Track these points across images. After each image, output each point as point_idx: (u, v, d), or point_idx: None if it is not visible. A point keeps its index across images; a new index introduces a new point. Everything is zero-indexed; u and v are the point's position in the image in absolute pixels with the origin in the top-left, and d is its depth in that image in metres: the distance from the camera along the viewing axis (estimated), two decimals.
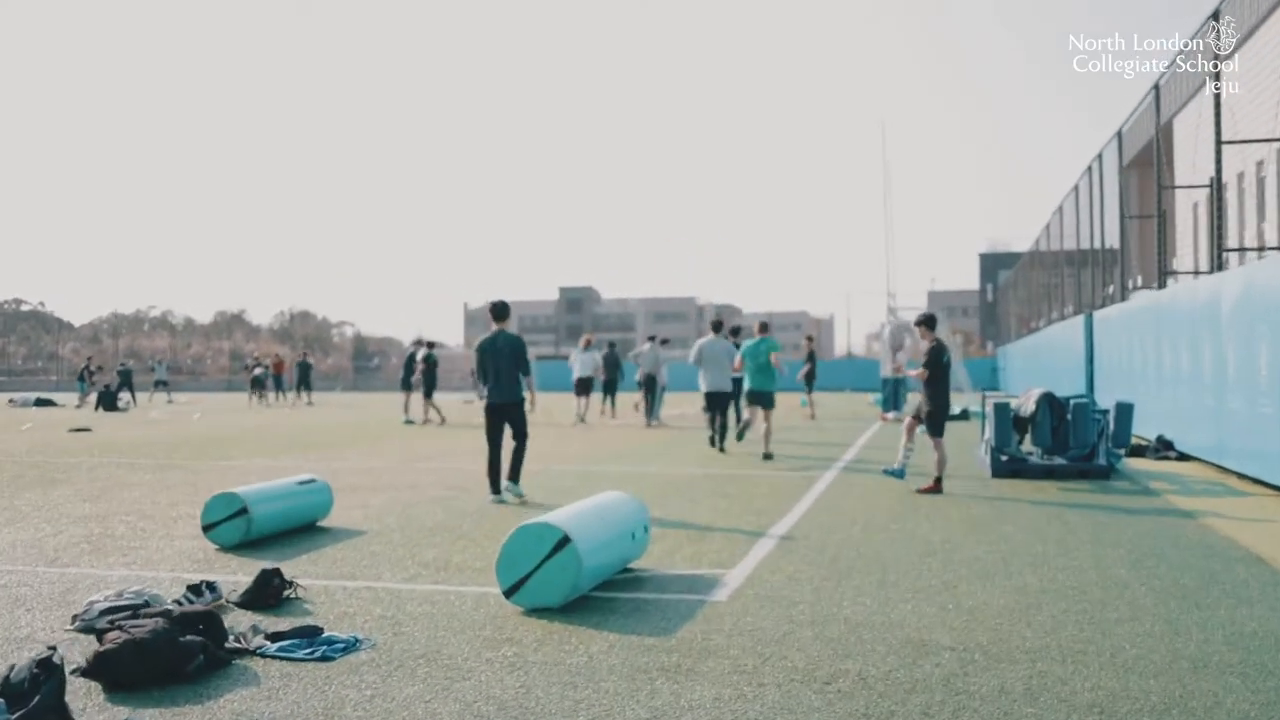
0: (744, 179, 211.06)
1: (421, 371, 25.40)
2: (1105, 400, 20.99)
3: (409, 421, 25.41)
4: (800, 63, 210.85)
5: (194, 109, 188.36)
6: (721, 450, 16.74)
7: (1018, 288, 52.09)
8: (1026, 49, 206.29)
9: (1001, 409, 12.25)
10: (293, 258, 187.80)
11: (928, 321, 11.68)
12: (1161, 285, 17.91)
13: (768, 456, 15.18)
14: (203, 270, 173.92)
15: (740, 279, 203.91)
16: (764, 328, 15.98)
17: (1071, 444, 12.22)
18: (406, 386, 26.39)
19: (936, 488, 11.28)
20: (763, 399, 15.42)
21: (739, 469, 14.19)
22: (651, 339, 25.35)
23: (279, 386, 43.33)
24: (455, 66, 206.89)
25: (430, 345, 25.89)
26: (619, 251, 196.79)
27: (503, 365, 10.82)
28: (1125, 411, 12.03)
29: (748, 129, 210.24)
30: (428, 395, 25.61)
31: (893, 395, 27.99)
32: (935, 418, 11.41)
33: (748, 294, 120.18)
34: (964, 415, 25.30)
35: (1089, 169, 26.61)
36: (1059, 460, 12.59)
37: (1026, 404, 12.34)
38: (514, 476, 11.08)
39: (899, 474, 11.70)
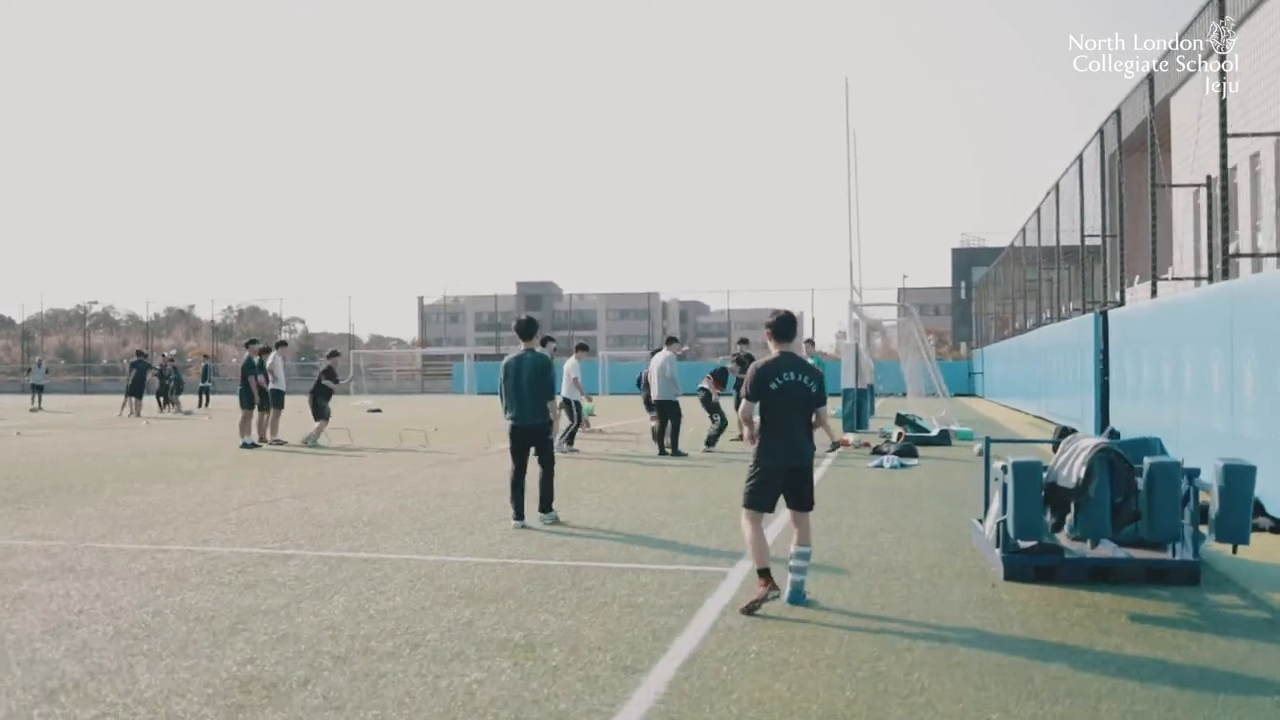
0: (709, 171, 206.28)
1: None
2: (1127, 425, 16.30)
3: (250, 444, 20.33)
4: (765, 52, 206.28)
5: (146, 100, 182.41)
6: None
7: (997, 284, 47.88)
8: (1004, 37, 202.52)
9: (1027, 474, 7.35)
10: (244, 253, 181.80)
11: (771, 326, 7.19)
12: (1225, 273, 13.20)
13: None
14: (154, 265, 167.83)
15: (705, 274, 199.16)
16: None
17: (1147, 529, 7.37)
18: (247, 405, 21.03)
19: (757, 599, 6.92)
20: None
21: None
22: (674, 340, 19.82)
23: (172, 390, 38.00)
24: (411, 60, 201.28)
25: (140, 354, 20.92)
26: (579, 245, 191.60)
27: (526, 386, 10.49)
28: (1240, 480, 6.97)
29: (712, 121, 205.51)
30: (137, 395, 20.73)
31: (855, 410, 23.14)
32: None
33: (713, 291, 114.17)
34: (943, 438, 20.46)
35: (1079, 158, 22.78)
36: (1119, 553, 7.77)
37: (1070, 465, 7.42)
38: (545, 506, 10.63)
39: (798, 603, 6.98)
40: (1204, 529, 7.66)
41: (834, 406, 19.96)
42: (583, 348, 20.90)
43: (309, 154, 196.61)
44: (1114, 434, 17.68)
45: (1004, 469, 7.76)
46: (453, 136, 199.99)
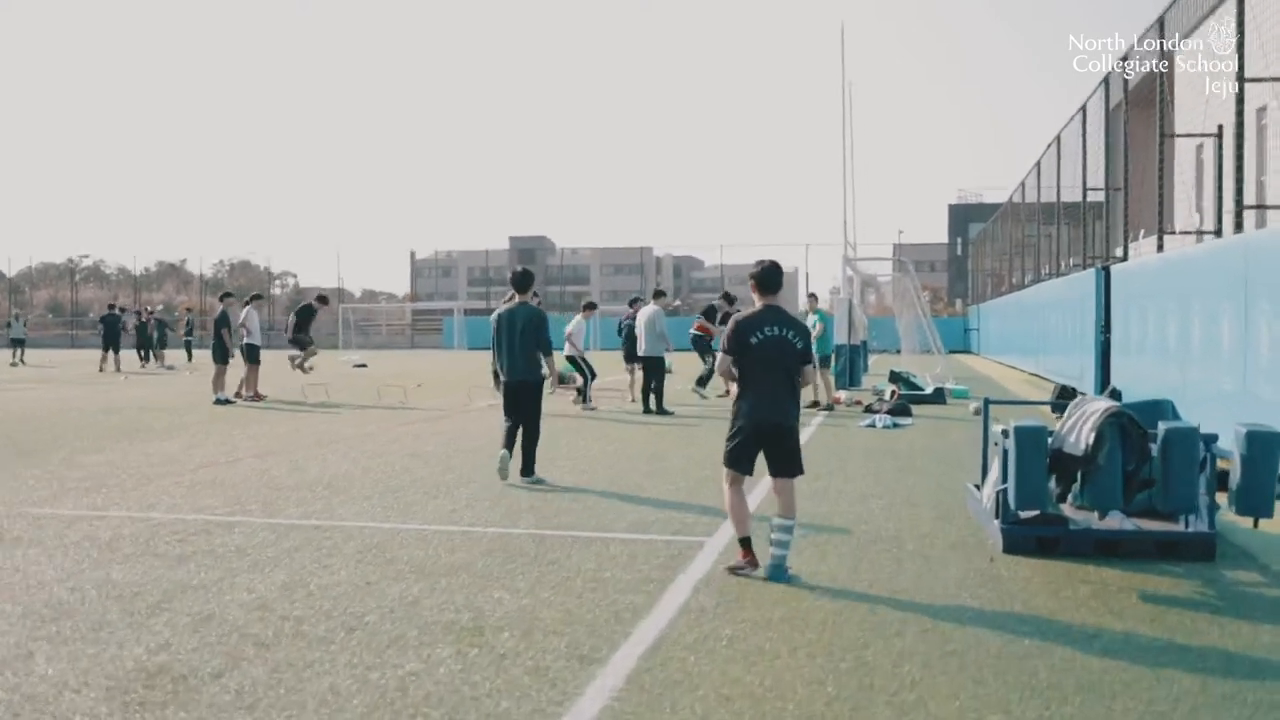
0: (704, 125, 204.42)
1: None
2: (1129, 384, 15.70)
3: (224, 401, 19.68)
4: (760, 1, 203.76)
5: (137, 53, 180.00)
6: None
7: (995, 240, 47.17)
8: None
9: (1030, 440, 6.71)
10: (235, 207, 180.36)
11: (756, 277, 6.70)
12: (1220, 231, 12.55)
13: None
14: (145, 219, 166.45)
15: (699, 229, 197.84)
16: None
17: (1161, 500, 6.76)
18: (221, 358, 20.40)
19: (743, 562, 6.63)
20: None
21: None
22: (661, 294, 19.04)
23: (155, 344, 37.26)
24: (402, 12, 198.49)
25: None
26: (572, 200, 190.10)
27: (519, 341, 10.06)
28: (1265, 447, 6.33)
29: (706, 72, 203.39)
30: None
31: (848, 367, 22.52)
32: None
33: (707, 246, 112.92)
34: (938, 396, 19.86)
35: (1083, 109, 22.05)
36: (1127, 525, 7.17)
37: (1078, 430, 6.77)
38: (527, 470, 10.06)
39: (778, 579, 6.42)
40: (1220, 499, 7.07)
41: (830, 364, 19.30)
42: (590, 306, 20.25)
43: (301, 107, 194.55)
44: (1115, 394, 17.12)
45: (1005, 434, 7.14)
46: (445, 90, 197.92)
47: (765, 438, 6.62)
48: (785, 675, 4.78)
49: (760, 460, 6.73)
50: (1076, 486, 6.83)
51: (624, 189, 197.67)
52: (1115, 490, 6.64)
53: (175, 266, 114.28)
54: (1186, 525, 7.22)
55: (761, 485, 8.10)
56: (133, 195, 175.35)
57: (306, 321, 21.88)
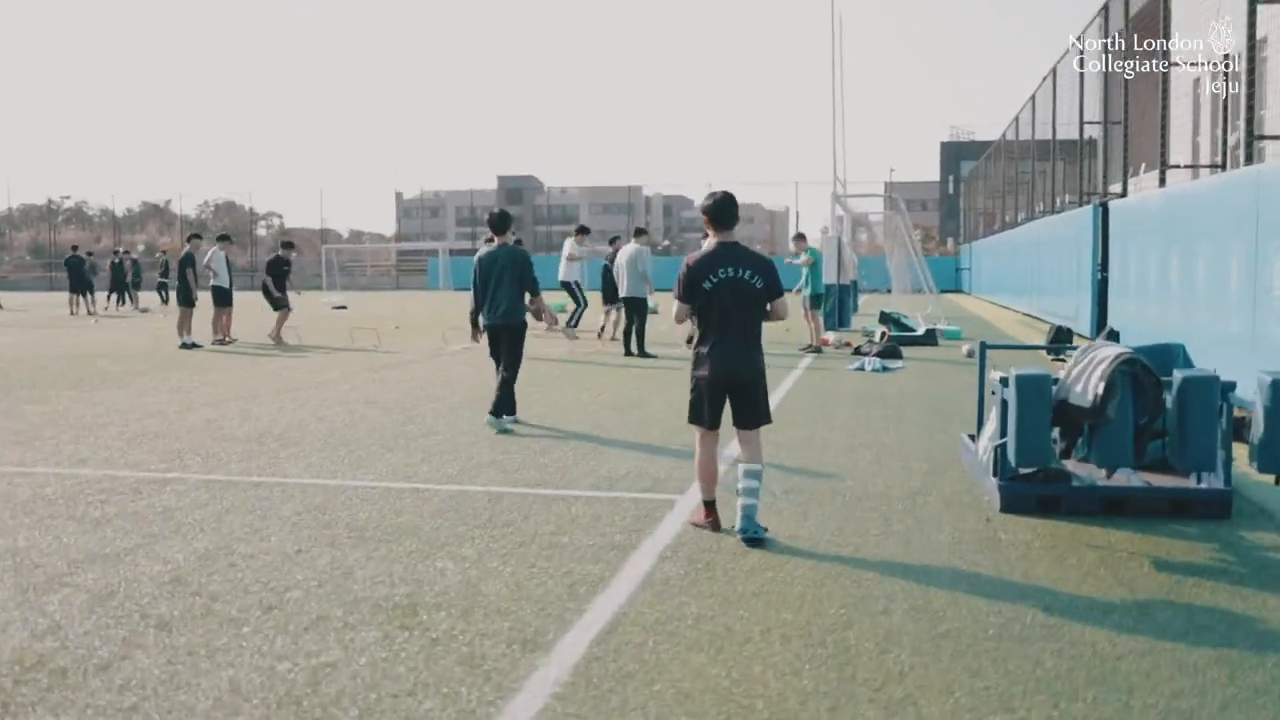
0: (692, 61, 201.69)
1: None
2: (1127, 326, 15.12)
3: (189, 345, 18.96)
4: None
5: None
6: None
7: (987, 179, 46.39)
8: None
9: (1032, 389, 6.07)
10: (222, 147, 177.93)
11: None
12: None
13: None
14: (128, 160, 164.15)
15: (689, 168, 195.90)
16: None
17: (1177, 455, 6.14)
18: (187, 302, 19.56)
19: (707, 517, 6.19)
20: None
21: None
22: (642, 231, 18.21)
23: (130, 286, 36.45)
24: None
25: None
26: (561, 138, 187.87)
27: (502, 283, 9.68)
28: None
29: (695, 7, 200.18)
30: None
31: (837, 308, 21.86)
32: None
33: (695, 184, 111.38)
34: (929, 338, 19.22)
35: (1079, 39, 21.13)
36: (1135, 480, 6.57)
37: (1086, 379, 6.13)
38: (496, 410, 9.67)
39: (749, 531, 5.93)
40: (1236, 451, 6.46)
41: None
42: (583, 230, 19.62)
43: (287, 46, 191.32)
44: (1113, 335, 16.50)
45: (1003, 382, 6.50)
46: (432, 27, 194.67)
47: (728, 390, 6.07)
48: (755, 665, 4.18)
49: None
50: (1083, 441, 6.19)
51: (613, 127, 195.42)
52: (1126, 446, 6.01)
53: (159, 207, 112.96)
54: (1199, 480, 6.62)
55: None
56: (115, 135, 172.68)
57: (281, 278, 20.24)
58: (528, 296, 9.94)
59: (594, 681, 4.01)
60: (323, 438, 9.32)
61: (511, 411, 9.85)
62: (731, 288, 5.98)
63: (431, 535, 6.07)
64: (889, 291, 31.54)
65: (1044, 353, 16.17)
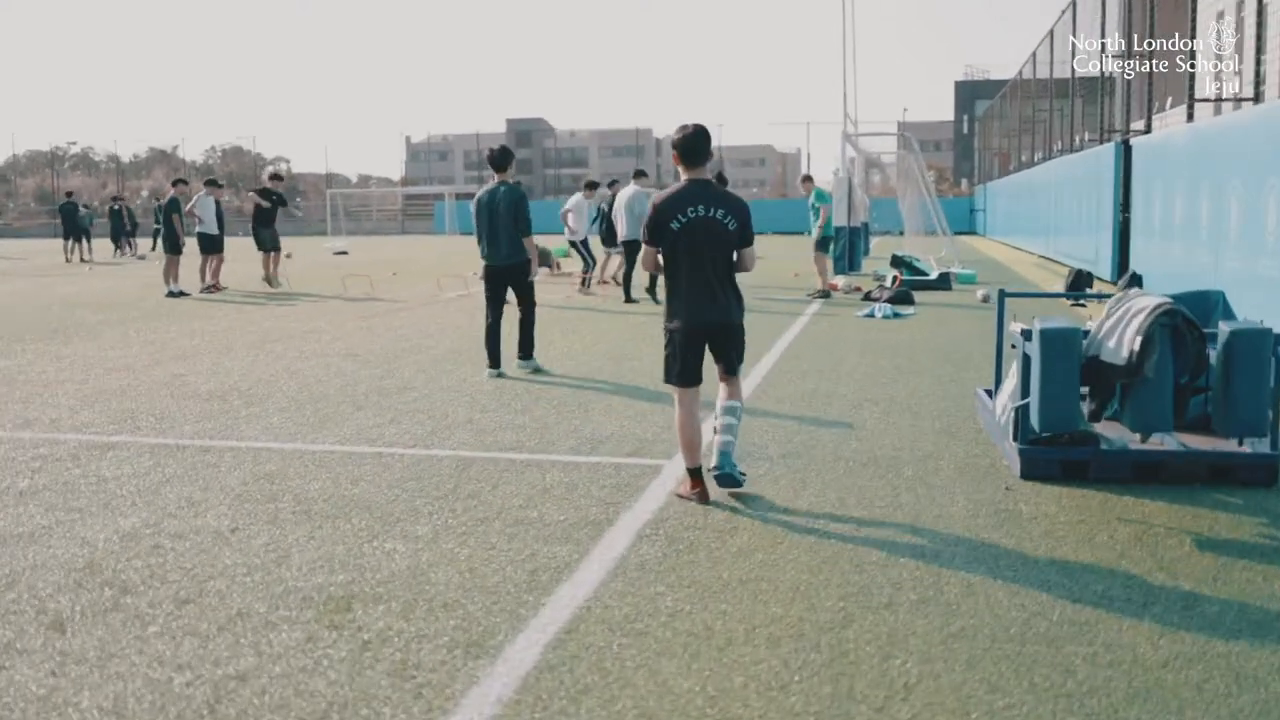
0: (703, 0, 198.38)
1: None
2: (1152, 270, 14.38)
3: (177, 293, 18.34)
4: None
5: None
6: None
7: (1003, 118, 45.23)
8: None
9: (1060, 345, 5.38)
10: (229, 92, 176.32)
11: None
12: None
13: None
14: (134, 105, 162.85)
15: (699, 109, 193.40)
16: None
17: (1222, 420, 5.46)
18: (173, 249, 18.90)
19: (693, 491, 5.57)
20: None
21: None
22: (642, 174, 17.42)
23: (128, 233, 35.80)
24: None
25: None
26: (570, 80, 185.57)
27: (502, 223, 9.39)
28: None
29: None
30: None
31: (847, 250, 21.10)
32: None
33: (708, 126, 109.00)
34: (943, 282, 18.47)
35: None
36: (1169, 442, 5.90)
37: (1120, 333, 5.42)
38: (525, 353, 9.75)
39: (724, 468, 5.57)
40: None
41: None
42: (592, 185, 18.72)
43: None
44: (1135, 279, 15.74)
45: (1025, 335, 5.81)
46: None
47: (705, 341, 5.55)
48: (736, 675, 3.56)
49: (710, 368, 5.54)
50: (1117, 404, 5.51)
51: (623, 69, 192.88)
52: (1165, 409, 5.34)
53: (165, 153, 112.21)
54: (1240, 443, 5.95)
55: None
56: (121, 81, 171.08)
57: (267, 217, 19.55)
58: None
59: (543, 699, 3.39)
60: (291, 395, 8.70)
61: (529, 355, 9.74)
62: (704, 227, 5.44)
63: (386, 510, 5.44)
64: (901, 233, 30.74)
65: (1067, 302, 15.45)
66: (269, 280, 19.28)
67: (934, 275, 18.62)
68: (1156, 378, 5.25)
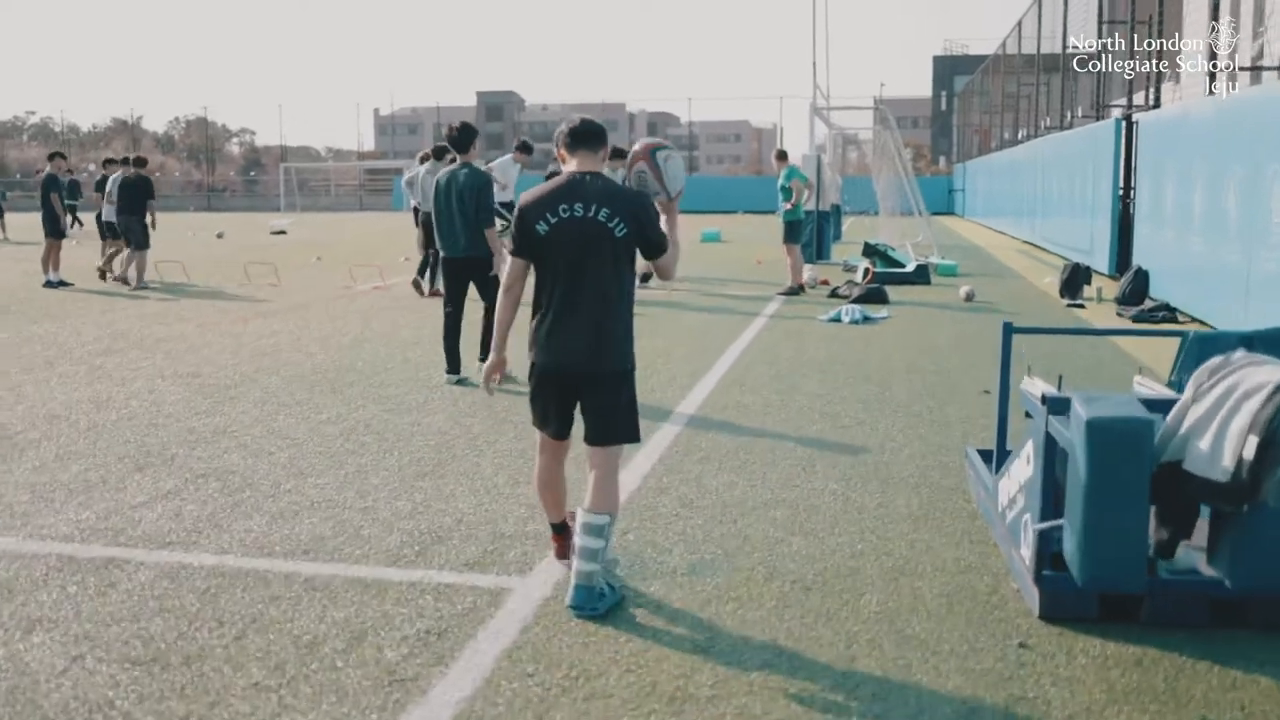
0: None
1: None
2: (1159, 263, 12.45)
3: (56, 283, 16.10)
4: None
5: None
6: None
7: (984, 94, 43.28)
8: None
9: (1119, 444, 3.33)
10: (192, 62, 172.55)
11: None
12: None
13: None
14: (96, 75, 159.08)
15: (673, 83, 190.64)
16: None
17: None
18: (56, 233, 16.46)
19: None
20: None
21: None
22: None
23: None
24: None
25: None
26: (542, 52, 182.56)
27: (461, 211, 8.27)
28: None
29: None
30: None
31: (815, 238, 19.03)
32: None
33: (681, 99, 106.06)
34: (921, 275, 16.43)
35: None
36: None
37: (1218, 426, 3.36)
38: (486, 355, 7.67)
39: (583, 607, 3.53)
40: None
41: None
42: (524, 148, 16.54)
43: None
44: (1141, 274, 13.72)
45: (1050, 406, 3.77)
46: None
47: (568, 387, 4.03)
48: None
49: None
50: (1208, 540, 3.48)
51: (596, 42, 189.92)
52: None
53: (127, 124, 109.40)
54: None
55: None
56: (83, 50, 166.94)
57: (135, 201, 15.82)
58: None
59: None
60: (62, 443, 6.59)
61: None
62: (578, 232, 3.85)
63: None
64: (875, 214, 28.70)
65: (1061, 300, 13.47)
66: (125, 279, 16.10)
67: (911, 267, 16.57)
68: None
